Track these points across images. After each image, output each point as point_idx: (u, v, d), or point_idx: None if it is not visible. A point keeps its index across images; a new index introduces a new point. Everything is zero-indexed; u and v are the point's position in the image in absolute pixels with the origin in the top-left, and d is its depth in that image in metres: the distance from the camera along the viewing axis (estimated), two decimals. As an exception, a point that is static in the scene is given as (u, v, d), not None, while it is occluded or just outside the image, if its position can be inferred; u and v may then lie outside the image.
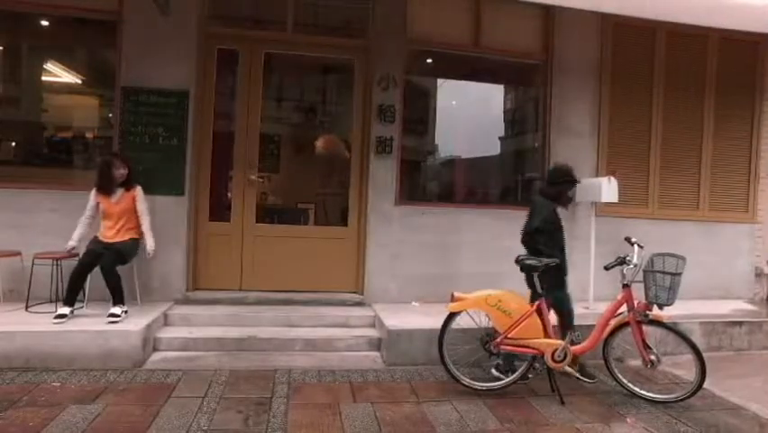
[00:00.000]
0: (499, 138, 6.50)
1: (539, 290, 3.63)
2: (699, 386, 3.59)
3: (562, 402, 3.55)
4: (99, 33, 5.17)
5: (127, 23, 4.86)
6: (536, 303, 3.61)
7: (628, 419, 3.39)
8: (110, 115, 5.14)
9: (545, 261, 3.60)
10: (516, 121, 6.63)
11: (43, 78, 5.46)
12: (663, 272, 3.55)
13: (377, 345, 4.52)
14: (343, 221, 5.53)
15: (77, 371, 3.74)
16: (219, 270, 5.19)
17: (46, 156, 5.51)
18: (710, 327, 4.93)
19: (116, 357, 3.88)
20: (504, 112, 6.63)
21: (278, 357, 4.23)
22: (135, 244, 4.50)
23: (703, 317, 5.01)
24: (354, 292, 5.35)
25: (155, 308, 4.58)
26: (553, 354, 3.59)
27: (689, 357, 3.66)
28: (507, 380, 3.70)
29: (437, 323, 3.73)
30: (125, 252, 4.38)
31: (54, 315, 4.07)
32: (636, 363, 4.04)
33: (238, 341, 4.35)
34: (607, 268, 3.67)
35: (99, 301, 4.38)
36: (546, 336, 3.61)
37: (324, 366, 4.08)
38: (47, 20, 5.19)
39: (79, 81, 5.49)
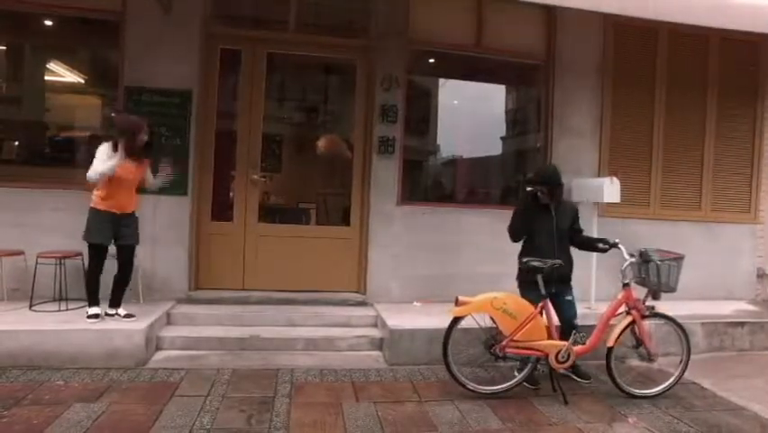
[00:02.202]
0: (501, 138, 6.50)
1: (543, 291, 3.62)
2: (680, 377, 3.81)
3: (566, 402, 3.56)
4: (102, 33, 5.19)
5: (130, 22, 4.87)
6: (540, 304, 3.61)
7: (630, 419, 3.39)
8: (113, 114, 5.14)
9: (550, 262, 3.62)
10: (517, 121, 6.63)
11: (46, 78, 5.47)
12: (662, 261, 3.62)
13: (379, 344, 4.53)
14: (345, 221, 5.54)
15: (81, 369, 3.75)
16: (221, 269, 5.20)
17: (49, 155, 5.51)
18: (712, 328, 4.92)
19: (120, 356, 3.88)
20: (506, 112, 6.63)
21: (281, 356, 4.24)
22: None
23: (705, 317, 5.00)
24: (356, 292, 5.36)
25: (158, 307, 4.59)
26: (556, 355, 3.59)
27: (692, 357, 3.68)
28: (511, 382, 3.69)
29: (439, 323, 3.73)
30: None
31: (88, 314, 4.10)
32: (637, 363, 4.06)
33: (240, 340, 4.36)
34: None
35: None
36: (549, 337, 3.61)
37: (327, 366, 4.09)
38: (50, 19, 5.20)
39: (82, 81, 5.50)
